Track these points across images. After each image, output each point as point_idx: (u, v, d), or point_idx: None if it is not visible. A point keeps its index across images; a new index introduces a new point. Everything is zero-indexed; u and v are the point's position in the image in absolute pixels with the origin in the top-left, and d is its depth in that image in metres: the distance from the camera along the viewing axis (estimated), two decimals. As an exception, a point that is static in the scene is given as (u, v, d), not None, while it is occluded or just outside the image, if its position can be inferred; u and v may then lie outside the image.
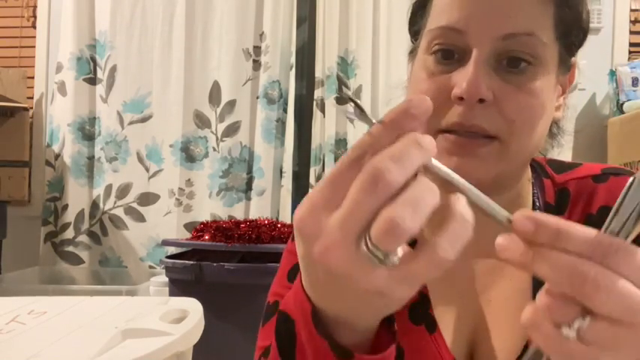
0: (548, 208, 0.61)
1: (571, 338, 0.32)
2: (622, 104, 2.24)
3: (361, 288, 0.33)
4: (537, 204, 0.61)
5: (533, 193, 0.62)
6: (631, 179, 0.33)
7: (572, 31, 0.55)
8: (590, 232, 0.32)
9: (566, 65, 0.57)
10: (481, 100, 0.50)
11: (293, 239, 0.65)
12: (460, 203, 0.33)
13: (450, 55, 0.53)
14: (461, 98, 0.50)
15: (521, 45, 0.51)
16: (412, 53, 0.62)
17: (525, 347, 0.54)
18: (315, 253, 0.33)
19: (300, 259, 0.37)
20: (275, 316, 0.59)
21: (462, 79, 0.50)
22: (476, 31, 0.51)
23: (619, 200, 0.33)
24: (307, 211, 0.34)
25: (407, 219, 0.30)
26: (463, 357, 0.57)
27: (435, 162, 0.34)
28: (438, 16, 0.54)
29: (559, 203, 0.61)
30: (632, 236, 0.33)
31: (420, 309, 0.58)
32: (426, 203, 0.31)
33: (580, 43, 0.57)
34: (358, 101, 0.37)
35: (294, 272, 0.63)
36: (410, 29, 0.62)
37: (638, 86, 2.23)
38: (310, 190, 0.36)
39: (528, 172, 0.62)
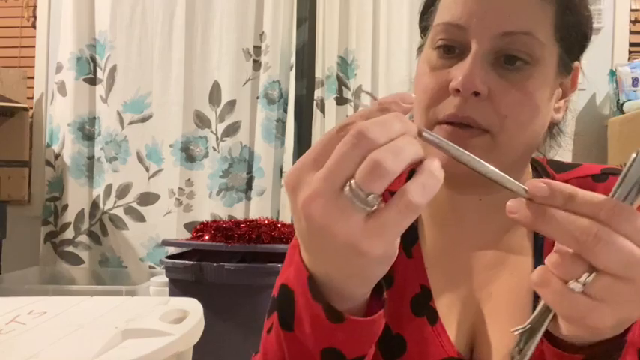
0: None
1: (577, 291, 0.36)
2: (622, 104, 2.24)
3: (339, 239, 0.36)
4: None
5: None
6: (634, 154, 0.36)
7: (573, 34, 0.56)
8: (596, 196, 0.36)
9: (566, 67, 0.58)
10: (476, 93, 0.52)
11: None
12: (432, 162, 0.36)
13: (452, 50, 0.55)
14: (457, 90, 0.52)
15: (518, 43, 0.53)
16: (420, 49, 0.63)
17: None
18: (299, 203, 0.36)
19: (293, 218, 0.40)
20: None
21: (459, 72, 0.52)
22: (476, 28, 0.53)
23: (624, 171, 0.37)
24: (296, 169, 0.38)
25: (389, 161, 0.34)
26: (464, 348, 0.57)
27: (458, 147, 0.39)
28: (443, 12, 0.57)
29: None
30: (636, 204, 0.36)
31: (421, 301, 0.59)
32: (408, 152, 0.35)
33: (582, 46, 0.59)
34: (375, 96, 0.41)
35: None
36: (420, 25, 0.65)
37: (638, 86, 2.23)
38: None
39: (529, 172, 0.63)
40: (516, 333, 0.41)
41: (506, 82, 0.53)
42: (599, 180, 0.61)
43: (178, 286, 1.59)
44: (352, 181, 0.35)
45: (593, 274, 0.35)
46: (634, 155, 0.36)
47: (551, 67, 0.55)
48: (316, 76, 2.32)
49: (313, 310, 0.42)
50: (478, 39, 0.53)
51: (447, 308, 0.59)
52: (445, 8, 0.56)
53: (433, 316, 0.58)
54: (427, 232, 0.63)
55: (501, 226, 0.60)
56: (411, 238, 0.63)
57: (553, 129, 0.62)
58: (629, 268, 0.35)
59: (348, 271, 0.40)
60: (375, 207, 0.35)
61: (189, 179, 2.45)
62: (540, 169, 0.64)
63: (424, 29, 0.63)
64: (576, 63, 0.59)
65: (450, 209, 0.61)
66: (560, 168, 0.65)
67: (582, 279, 0.36)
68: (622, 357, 0.42)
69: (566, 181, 0.62)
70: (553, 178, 0.63)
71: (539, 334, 0.40)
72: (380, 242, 0.36)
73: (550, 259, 0.37)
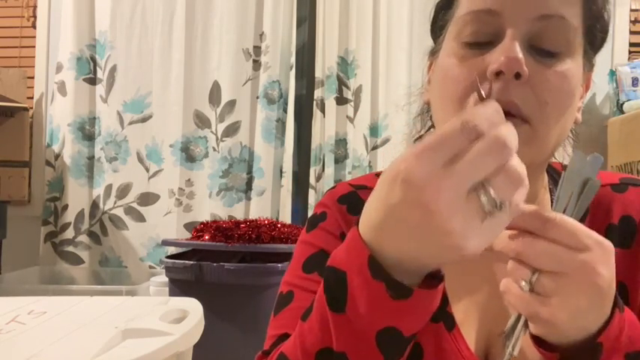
0: None
1: (526, 290, 0.43)
2: (622, 104, 2.24)
3: (452, 236, 0.37)
4: None
5: (552, 199, 0.62)
6: (563, 173, 0.45)
7: (596, 26, 0.55)
8: (531, 211, 0.43)
9: (589, 62, 0.57)
10: (517, 76, 0.50)
11: (308, 230, 0.66)
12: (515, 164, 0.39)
13: (482, 39, 0.53)
14: (497, 74, 0.50)
15: (553, 28, 0.51)
16: (434, 53, 0.61)
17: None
18: (425, 197, 0.37)
19: (389, 207, 0.40)
20: (289, 305, 0.60)
21: (498, 54, 0.50)
22: (511, 12, 0.51)
23: (558, 188, 0.45)
24: (416, 161, 0.38)
25: (524, 174, 0.38)
26: (481, 355, 0.57)
27: None
28: (469, 2, 0.54)
29: None
30: (577, 212, 0.44)
31: (438, 307, 0.58)
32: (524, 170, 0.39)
33: (602, 41, 0.57)
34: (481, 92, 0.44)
35: (309, 263, 0.63)
36: (433, 27, 0.62)
37: (638, 86, 2.23)
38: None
39: (545, 179, 0.62)
40: (502, 337, 0.46)
41: (544, 68, 0.51)
42: (619, 190, 0.60)
43: (178, 286, 1.59)
44: (488, 187, 0.37)
45: (536, 274, 0.42)
46: (563, 173, 0.45)
47: (580, 59, 0.54)
48: (316, 76, 2.32)
49: (372, 289, 0.42)
50: (514, 23, 0.51)
51: (464, 314, 0.58)
52: None
53: (450, 323, 0.56)
54: None
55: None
56: None
57: (572, 130, 0.61)
58: (560, 264, 0.41)
59: (439, 260, 0.41)
60: (506, 210, 0.38)
61: (189, 179, 2.45)
62: (556, 176, 0.63)
63: (440, 29, 0.60)
64: (593, 62, 0.58)
65: None
66: None
67: (528, 279, 0.43)
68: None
69: None
70: None
71: (514, 337, 0.45)
72: (485, 242, 0.39)
73: (507, 267, 0.44)
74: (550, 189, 0.62)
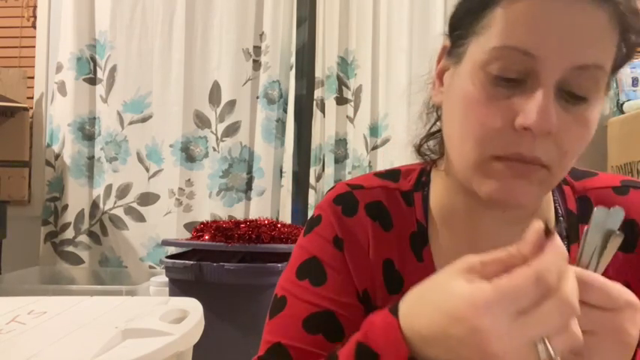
0: (570, 216, 0.62)
1: None
2: (622, 104, 2.24)
3: None
4: (559, 211, 0.62)
5: (554, 200, 0.62)
6: (586, 228, 0.45)
7: (624, 58, 0.54)
8: None
9: (609, 87, 0.56)
10: (547, 133, 0.49)
11: (305, 234, 0.66)
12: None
13: (511, 76, 0.51)
14: (526, 128, 0.49)
15: (587, 77, 0.50)
16: (450, 54, 0.58)
17: None
18: (489, 346, 0.37)
19: (446, 338, 0.40)
20: (282, 312, 0.61)
21: (531, 109, 0.49)
22: (549, 58, 0.49)
23: (582, 241, 0.45)
24: (487, 310, 0.38)
25: (580, 334, 0.39)
26: None
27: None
28: (505, 32, 0.51)
29: (581, 212, 0.62)
30: (601, 266, 0.44)
31: None
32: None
33: (623, 64, 0.56)
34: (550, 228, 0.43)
35: (302, 270, 0.63)
36: (453, 26, 0.58)
37: (638, 86, 2.23)
38: (471, 284, 0.40)
39: None
40: None
41: (569, 116, 0.50)
42: (620, 192, 0.60)
43: (178, 286, 1.59)
44: (547, 341, 0.38)
45: None
46: (586, 228, 0.45)
47: (603, 92, 0.53)
48: (316, 76, 2.32)
49: None
50: (550, 70, 0.49)
51: None
52: (507, 27, 0.50)
53: None
54: (438, 236, 0.62)
55: (518, 236, 0.59)
56: (421, 240, 0.62)
57: None
58: (592, 325, 0.42)
59: None
60: None
61: (189, 179, 2.45)
62: None
63: (459, 37, 0.56)
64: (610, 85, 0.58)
65: (466, 215, 0.60)
66: (577, 175, 0.64)
67: None
68: None
69: (586, 190, 0.62)
70: (572, 185, 0.63)
71: None
72: None
73: None
74: (552, 190, 0.63)
